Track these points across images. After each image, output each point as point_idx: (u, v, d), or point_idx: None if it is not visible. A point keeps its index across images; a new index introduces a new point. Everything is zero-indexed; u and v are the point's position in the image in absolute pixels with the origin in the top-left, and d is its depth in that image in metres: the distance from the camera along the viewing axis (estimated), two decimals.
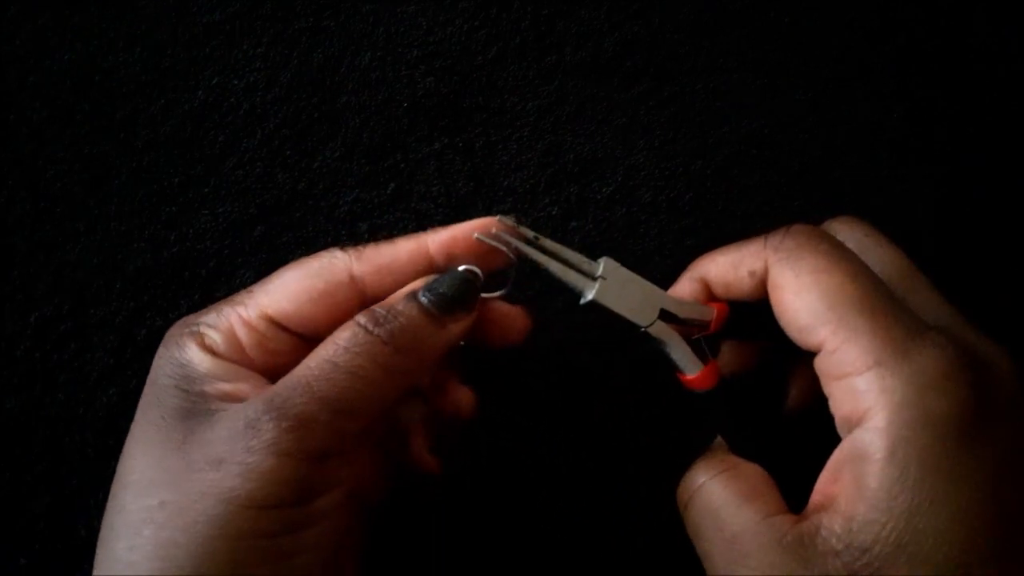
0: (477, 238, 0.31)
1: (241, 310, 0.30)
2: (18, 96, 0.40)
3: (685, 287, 0.33)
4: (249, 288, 0.31)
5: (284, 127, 0.41)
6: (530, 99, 0.42)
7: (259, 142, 0.41)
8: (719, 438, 0.32)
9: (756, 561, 0.27)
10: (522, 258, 0.31)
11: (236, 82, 0.41)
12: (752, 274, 0.31)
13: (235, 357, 0.30)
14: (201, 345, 0.30)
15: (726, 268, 0.32)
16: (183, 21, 0.41)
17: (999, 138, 0.42)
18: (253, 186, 0.41)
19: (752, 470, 0.31)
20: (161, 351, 0.30)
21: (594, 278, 0.32)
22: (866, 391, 0.27)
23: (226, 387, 0.29)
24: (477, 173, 0.41)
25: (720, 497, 0.30)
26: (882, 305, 0.28)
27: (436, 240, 0.31)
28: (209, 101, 0.41)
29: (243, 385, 0.29)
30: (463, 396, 0.33)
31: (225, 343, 0.30)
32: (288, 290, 0.30)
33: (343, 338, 0.28)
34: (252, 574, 0.25)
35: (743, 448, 0.32)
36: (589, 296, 0.31)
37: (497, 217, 0.31)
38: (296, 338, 0.31)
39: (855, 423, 0.27)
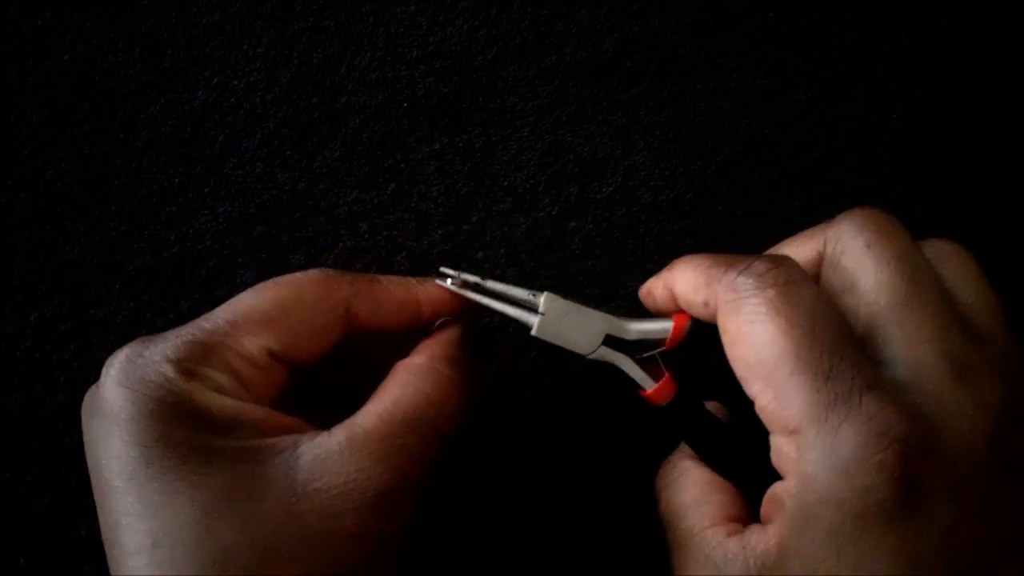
0: (437, 284, 0.33)
1: (239, 345, 0.29)
2: (18, 96, 0.40)
3: (657, 289, 0.33)
4: (228, 316, 0.30)
5: (284, 127, 0.41)
6: (530, 99, 0.42)
7: (259, 142, 0.41)
8: (681, 444, 0.33)
9: (685, 571, 0.28)
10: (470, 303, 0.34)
11: (236, 82, 0.41)
12: (706, 304, 0.30)
13: (242, 396, 0.29)
14: (212, 388, 0.28)
15: (687, 288, 0.31)
16: (183, 21, 0.41)
17: (999, 138, 0.42)
18: (253, 186, 0.41)
19: (701, 476, 0.31)
20: (139, 411, 0.27)
21: (537, 312, 0.33)
22: (786, 454, 0.26)
23: (267, 441, 0.28)
24: (477, 173, 0.41)
25: (671, 504, 0.31)
26: (816, 362, 0.26)
27: (426, 296, 0.33)
28: (209, 101, 0.41)
29: (280, 436, 0.28)
30: None
31: (232, 383, 0.28)
32: (292, 325, 0.30)
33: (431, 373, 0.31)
34: None
35: (707, 453, 0.32)
36: (532, 331, 0.33)
37: (438, 270, 0.33)
38: (288, 367, 0.31)
39: (781, 475, 0.27)
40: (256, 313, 0.29)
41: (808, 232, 0.31)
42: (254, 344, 0.29)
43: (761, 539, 0.27)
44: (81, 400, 0.39)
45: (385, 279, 0.33)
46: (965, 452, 0.25)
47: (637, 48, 0.42)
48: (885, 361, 0.27)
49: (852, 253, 0.29)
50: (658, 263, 0.41)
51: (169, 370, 0.28)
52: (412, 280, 0.33)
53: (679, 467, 0.32)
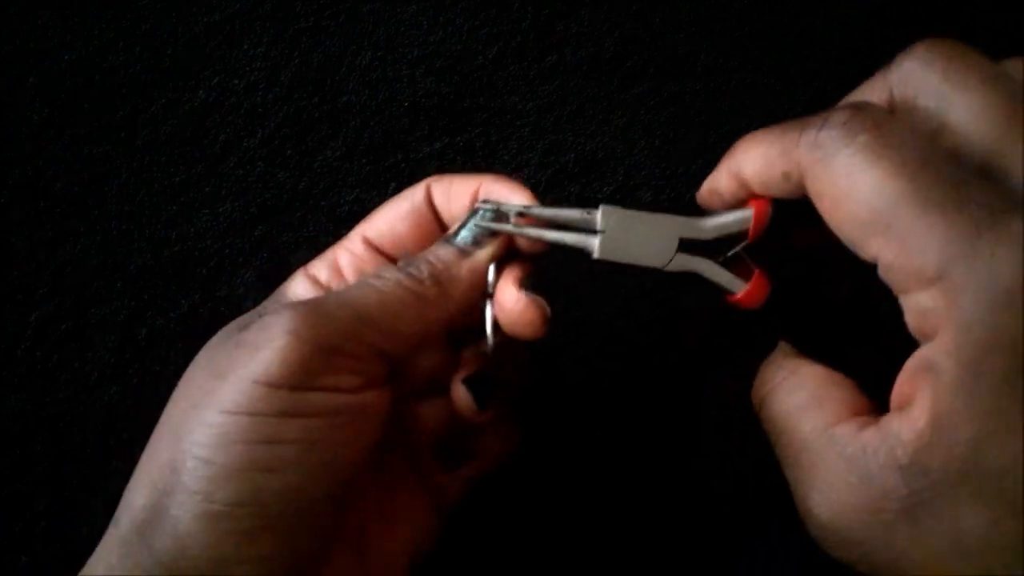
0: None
1: (345, 242, 0.33)
2: (18, 96, 0.40)
3: (722, 181, 0.29)
4: None
5: (285, 127, 0.41)
6: (530, 99, 0.42)
7: (260, 142, 0.41)
8: (780, 343, 0.29)
9: (817, 478, 0.25)
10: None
11: (236, 82, 0.41)
12: (787, 176, 0.26)
13: (334, 284, 0.32)
14: (305, 275, 0.33)
15: (760, 165, 0.27)
16: (183, 21, 0.41)
17: None
18: (254, 186, 0.41)
19: (814, 372, 0.28)
20: None
21: (595, 232, 0.29)
22: (932, 308, 0.23)
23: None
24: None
25: (781, 409, 0.27)
26: (941, 194, 0.23)
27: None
28: (210, 101, 0.41)
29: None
30: (504, 434, 0.34)
31: (327, 270, 0.33)
32: (382, 212, 0.33)
33: (380, 269, 0.30)
34: (237, 450, 0.26)
35: (813, 348, 0.29)
36: (595, 254, 0.29)
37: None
38: (391, 261, 0.33)
39: (927, 338, 0.24)
40: (371, 214, 0.34)
41: (866, 85, 0.28)
42: (355, 234, 0.33)
43: (906, 423, 0.23)
44: (81, 400, 0.39)
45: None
46: None
47: (637, 48, 0.42)
48: (1010, 190, 0.24)
49: (929, 91, 0.25)
50: None
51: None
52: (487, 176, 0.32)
53: (785, 366, 0.28)
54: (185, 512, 0.25)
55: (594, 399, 0.40)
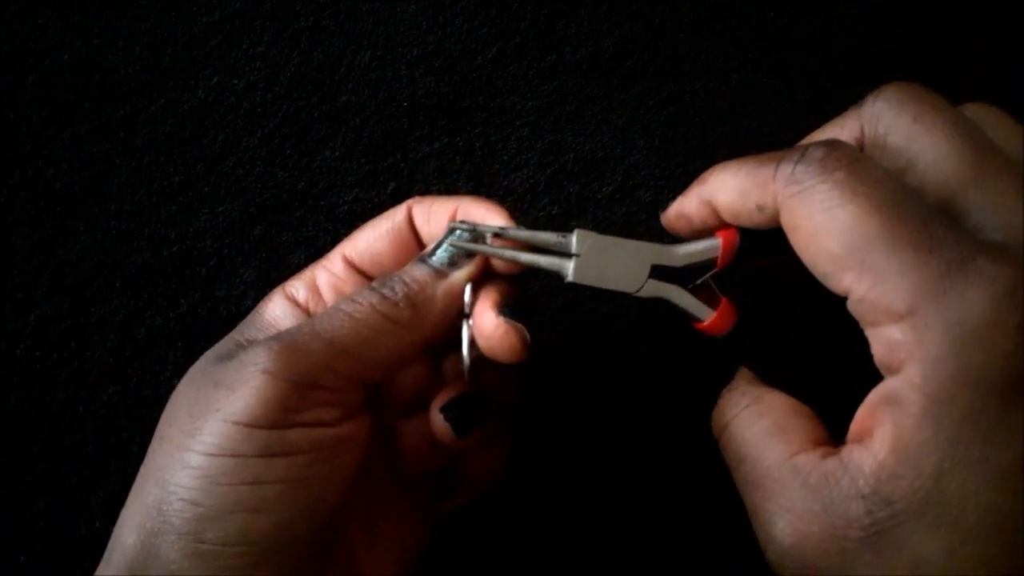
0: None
1: (324, 261, 0.33)
2: (18, 96, 0.41)
3: (692, 207, 0.30)
4: None
5: (284, 126, 0.41)
6: (530, 99, 0.42)
7: (259, 141, 0.41)
8: (741, 371, 0.30)
9: (780, 506, 0.25)
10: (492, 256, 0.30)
11: (236, 81, 0.41)
12: (761, 208, 0.27)
13: (312, 304, 0.32)
14: (283, 295, 0.32)
15: (734, 195, 0.28)
16: (183, 21, 0.41)
17: None
18: (253, 185, 0.41)
19: (776, 401, 0.28)
20: None
21: (570, 255, 0.29)
22: (900, 342, 0.24)
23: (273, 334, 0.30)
24: (477, 173, 0.41)
25: (743, 437, 0.28)
26: (913, 235, 0.24)
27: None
28: (209, 100, 0.41)
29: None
30: (487, 464, 0.34)
31: (305, 290, 0.32)
32: (363, 232, 0.33)
33: (354, 292, 0.29)
34: (222, 492, 0.26)
35: (775, 376, 0.29)
36: (568, 277, 0.29)
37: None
38: (368, 281, 0.32)
39: (892, 371, 0.24)
40: (351, 234, 0.33)
41: (837, 121, 0.29)
42: (334, 254, 0.33)
43: (867, 454, 0.24)
44: (81, 399, 0.39)
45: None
46: None
47: (637, 48, 0.42)
48: (972, 230, 0.25)
49: (899, 131, 0.27)
50: None
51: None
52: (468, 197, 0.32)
53: (748, 394, 0.29)
54: (176, 552, 0.26)
55: (585, 408, 0.40)
